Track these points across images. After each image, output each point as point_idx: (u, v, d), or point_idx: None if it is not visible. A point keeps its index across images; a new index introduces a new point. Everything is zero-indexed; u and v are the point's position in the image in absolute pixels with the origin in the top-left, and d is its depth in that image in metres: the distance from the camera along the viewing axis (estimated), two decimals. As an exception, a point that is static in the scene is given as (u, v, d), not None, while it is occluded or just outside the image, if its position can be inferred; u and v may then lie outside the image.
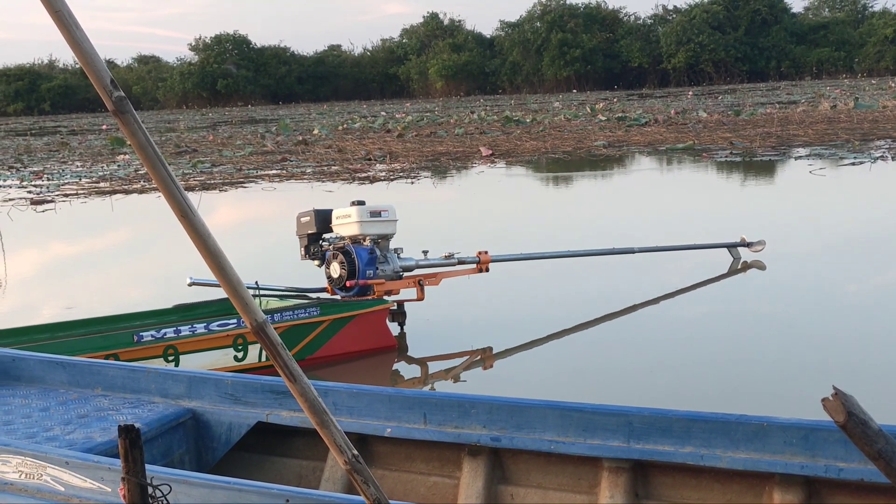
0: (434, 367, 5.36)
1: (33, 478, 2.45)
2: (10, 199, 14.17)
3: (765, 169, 14.27)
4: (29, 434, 2.92)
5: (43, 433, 2.92)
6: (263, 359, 5.15)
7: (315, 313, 5.36)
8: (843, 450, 2.46)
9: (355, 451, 1.65)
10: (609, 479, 2.72)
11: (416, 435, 2.91)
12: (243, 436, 3.09)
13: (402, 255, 5.82)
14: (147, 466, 1.76)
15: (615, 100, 39.17)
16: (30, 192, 15.23)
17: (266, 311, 5.08)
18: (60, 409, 3.14)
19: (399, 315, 5.79)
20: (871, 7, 61.71)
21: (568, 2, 61.90)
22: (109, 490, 2.31)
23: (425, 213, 10.95)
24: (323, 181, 14.75)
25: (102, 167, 19.11)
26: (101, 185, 15.79)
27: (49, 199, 14.08)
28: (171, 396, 3.20)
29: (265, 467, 3.17)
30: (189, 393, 3.17)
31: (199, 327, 5.06)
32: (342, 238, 5.71)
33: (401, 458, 3.02)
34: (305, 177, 15.56)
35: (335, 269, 5.61)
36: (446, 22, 67.69)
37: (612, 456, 2.69)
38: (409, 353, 5.62)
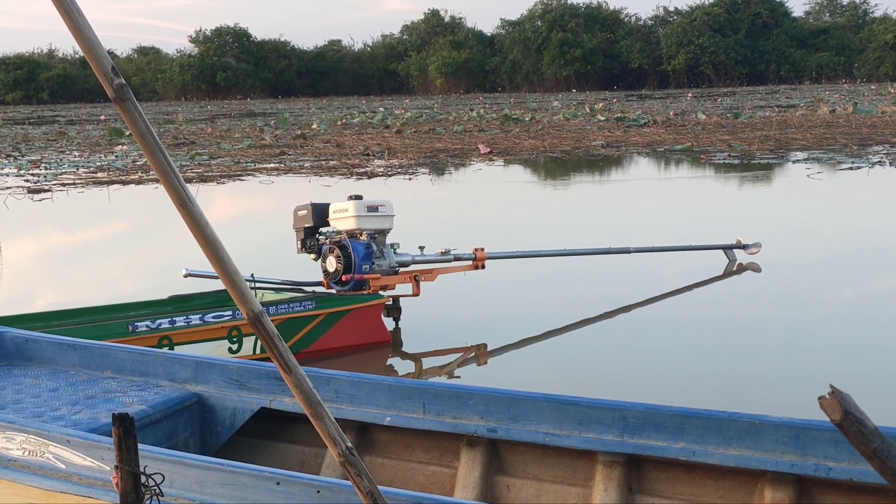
0: (428, 362, 5.37)
1: (36, 455, 2.50)
2: (7, 188, 14.15)
3: (762, 172, 14.28)
4: (36, 413, 2.97)
5: (50, 412, 2.97)
6: (258, 351, 5.16)
7: (310, 307, 5.37)
8: (833, 449, 2.48)
9: (349, 444, 1.66)
10: (603, 472, 2.74)
11: (415, 424, 2.95)
12: (247, 421, 3.14)
13: (398, 251, 5.82)
14: (146, 447, 1.77)
15: (614, 100, 39.15)
16: (27, 180, 15.21)
17: (261, 304, 5.08)
18: (69, 390, 3.20)
19: (394, 310, 5.80)
20: (872, 13, 61.86)
21: (569, 1, 61.91)
22: (108, 469, 2.34)
23: (422, 209, 10.95)
24: (321, 175, 14.75)
25: (100, 157, 19.08)
26: (99, 175, 15.78)
27: (46, 188, 14.06)
28: (178, 380, 3.25)
29: (268, 452, 3.21)
30: (195, 377, 3.23)
31: (194, 318, 5.06)
32: (339, 232, 5.72)
33: (400, 446, 3.06)
34: (303, 171, 15.56)
35: (331, 264, 5.61)
36: (447, 19, 67.70)
37: (607, 450, 2.72)
38: (403, 349, 5.62)
